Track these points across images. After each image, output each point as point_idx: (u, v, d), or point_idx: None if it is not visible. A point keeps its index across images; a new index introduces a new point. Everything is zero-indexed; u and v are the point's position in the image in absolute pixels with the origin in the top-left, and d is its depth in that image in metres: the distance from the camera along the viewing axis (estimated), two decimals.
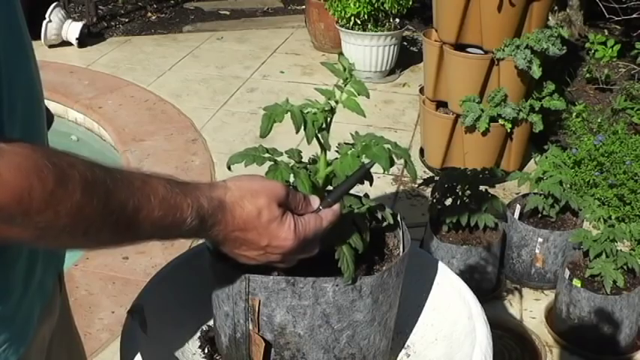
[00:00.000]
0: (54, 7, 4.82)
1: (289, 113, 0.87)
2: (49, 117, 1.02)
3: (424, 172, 3.36)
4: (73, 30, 4.85)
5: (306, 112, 0.88)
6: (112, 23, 5.55)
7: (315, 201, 0.85)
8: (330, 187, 0.94)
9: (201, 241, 0.86)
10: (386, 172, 0.91)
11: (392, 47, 4.40)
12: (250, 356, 0.90)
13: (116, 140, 3.64)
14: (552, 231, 2.46)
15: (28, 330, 0.79)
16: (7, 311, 0.74)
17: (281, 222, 0.78)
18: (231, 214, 0.76)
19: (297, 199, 0.83)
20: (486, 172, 2.37)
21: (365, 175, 0.89)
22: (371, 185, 0.92)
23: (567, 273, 2.23)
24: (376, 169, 0.89)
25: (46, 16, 4.75)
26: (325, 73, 4.32)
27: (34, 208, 0.59)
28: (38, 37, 4.70)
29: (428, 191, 2.90)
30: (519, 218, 2.52)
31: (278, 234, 0.78)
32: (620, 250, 2.20)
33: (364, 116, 0.91)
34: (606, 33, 4.40)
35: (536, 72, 2.89)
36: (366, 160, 0.89)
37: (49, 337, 0.87)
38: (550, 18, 4.15)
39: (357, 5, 4.22)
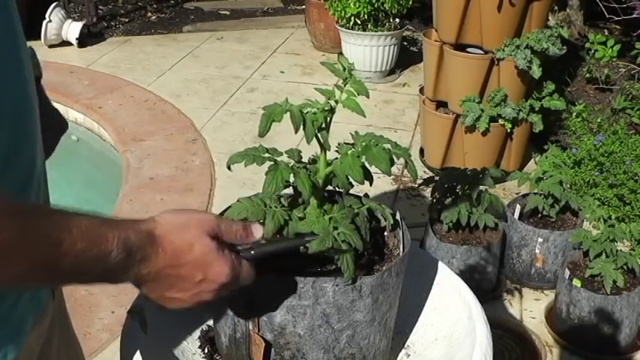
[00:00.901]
0: (54, 7, 4.82)
1: (289, 113, 0.87)
2: (62, 123, 1.01)
3: (424, 172, 3.36)
4: (73, 30, 4.85)
5: (305, 112, 0.88)
6: (112, 23, 5.55)
7: (256, 229, 0.81)
8: (329, 187, 0.94)
9: None
10: None
11: (392, 47, 4.40)
12: (250, 356, 0.90)
13: (116, 140, 3.64)
14: (552, 231, 2.46)
15: (20, 337, 0.78)
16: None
17: (216, 254, 0.74)
18: (162, 248, 0.71)
19: (233, 229, 0.78)
20: (486, 172, 2.37)
21: (297, 248, 0.85)
22: (371, 185, 0.92)
23: (567, 273, 2.23)
24: (376, 169, 0.89)
25: (46, 16, 4.75)
26: (325, 73, 4.32)
27: None
28: (38, 37, 4.70)
29: (428, 191, 2.90)
30: (519, 218, 2.52)
31: (213, 267, 0.74)
32: (620, 250, 2.20)
33: (364, 116, 0.91)
34: (606, 33, 4.40)
35: (536, 72, 2.89)
36: (366, 162, 0.89)
37: (38, 346, 0.86)
38: (550, 18, 4.15)
39: (357, 5, 4.22)
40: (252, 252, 0.80)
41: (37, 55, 0.94)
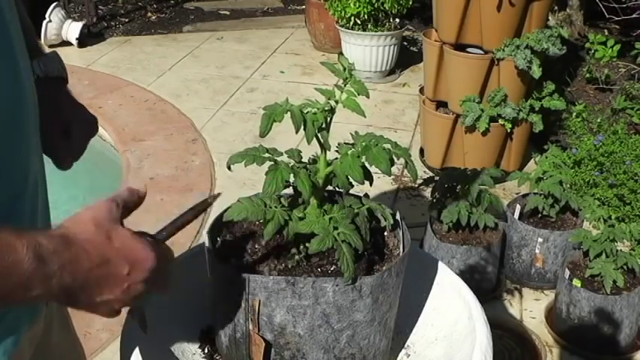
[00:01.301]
0: (54, 7, 4.82)
1: (289, 113, 0.87)
2: (91, 127, 0.99)
3: (424, 172, 3.36)
4: (73, 30, 4.85)
5: (306, 112, 0.89)
6: (112, 23, 5.55)
7: (139, 189, 0.78)
8: (329, 187, 0.94)
9: (200, 241, 0.85)
10: None
11: (392, 47, 4.40)
12: (250, 356, 0.90)
13: (116, 140, 3.64)
14: (552, 231, 2.46)
15: (15, 340, 0.78)
16: None
17: (134, 240, 0.71)
18: (83, 249, 0.66)
19: (126, 201, 0.76)
20: (486, 172, 2.37)
21: (204, 209, 0.83)
22: (371, 185, 0.92)
23: (567, 273, 2.23)
24: (376, 169, 0.89)
25: (46, 16, 4.75)
26: (325, 73, 4.32)
27: None
28: (38, 37, 4.69)
29: (428, 191, 2.90)
30: (519, 218, 2.52)
31: (137, 254, 0.70)
32: (620, 250, 2.20)
33: (364, 116, 0.91)
34: (606, 33, 4.40)
35: (536, 72, 2.89)
36: (366, 162, 0.89)
37: (32, 347, 0.86)
38: (550, 18, 4.15)
39: (357, 5, 4.22)
40: (165, 232, 0.79)
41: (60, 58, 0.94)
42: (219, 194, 0.85)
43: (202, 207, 0.82)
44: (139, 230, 0.75)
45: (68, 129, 0.94)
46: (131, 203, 0.76)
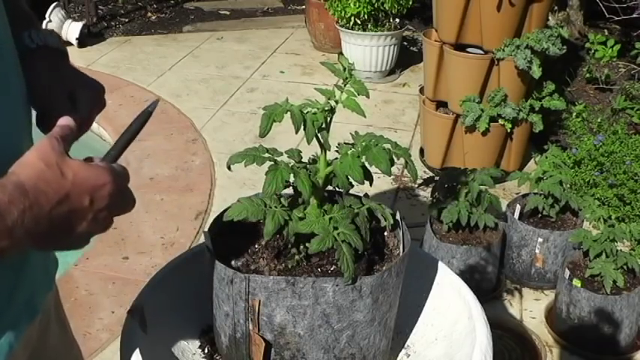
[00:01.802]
0: (54, 7, 4.82)
1: (289, 113, 0.87)
2: (96, 93, 0.96)
3: (424, 172, 3.36)
4: (73, 30, 4.85)
5: (306, 112, 0.89)
6: (112, 23, 5.55)
7: (68, 118, 0.75)
8: (329, 187, 0.94)
9: (200, 241, 0.84)
10: None
11: (392, 47, 4.40)
12: (250, 356, 0.90)
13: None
14: (552, 231, 2.46)
15: (10, 343, 0.78)
16: None
17: (87, 168, 0.68)
18: (40, 191, 0.64)
19: (66, 131, 0.72)
20: (486, 172, 2.37)
21: (146, 119, 0.81)
22: (371, 185, 0.92)
23: (567, 273, 2.23)
24: (376, 169, 0.89)
25: (46, 16, 4.75)
26: (325, 73, 4.32)
27: None
28: None
29: (428, 191, 2.91)
30: (519, 218, 2.52)
31: (94, 181, 0.68)
32: (620, 250, 2.20)
33: (364, 116, 0.91)
34: (606, 33, 4.40)
35: (536, 72, 2.89)
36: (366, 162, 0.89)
37: (26, 352, 0.85)
38: (550, 18, 4.15)
39: (357, 5, 4.22)
40: (113, 152, 0.76)
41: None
42: (157, 100, 0.82)
43: (144, 118, 0.80)
44: (87, 157, 0.73)
45: (73, 94, 0.92)
46: (68, 136, 0.72)
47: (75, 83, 0.93)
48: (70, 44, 4.90)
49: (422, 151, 3.48)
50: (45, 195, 0.64)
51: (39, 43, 0.91)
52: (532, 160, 3.43)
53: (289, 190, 0.92)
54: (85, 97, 0.92)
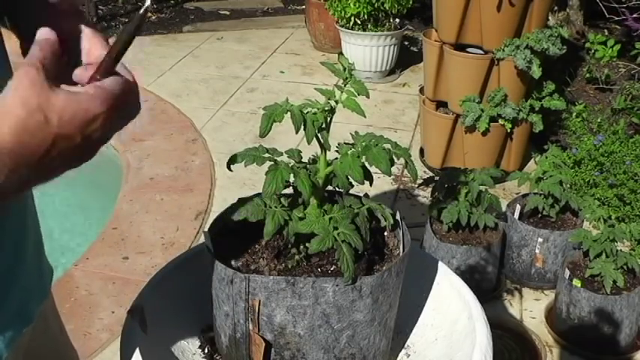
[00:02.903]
0: None
1: (289, 113, 0.87)
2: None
3: (424, 172, 3.36)
4: None
5: (306, 112, 0.88)
6: (112, 23, 5.55)
7: (95, 42, 0.69)
8: (329, 187, 0.94)
9: (201, 241, 0.83)
10: None
11: (392, 47, 4.40)
12: (250, 356, 0.90)
13: (116, 140, 3.64)
14: (552, 231, 2.46)
15: (0, 352, 0.77)
16: None
17: (73, 103, 0.61)
18: (22, 145, 0.58)
19: (49, 54, 0.64)
20: (486, 172, 2.37)
21: (141, 22, 0.72)
22: (371, 185, 0.92)
23: (567, 273, 2.23)
24: (376, 169, 0.89)
25: None
26: (325, 73, 4.32)
27: None
28: None
29: (428, 191, 2.90)
30: (519, 218, 2.52)
31: (82, 117, 0.61)
32: (620, 250, 2.20)
33: (364, 116, 0.91)
34: (606, 33, 4.40)
35: (536, 72, 2.89)
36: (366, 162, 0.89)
37: (19, 355, 0.85)
38: (550, 18, 4.15)
39: (357, 5, 4.22)
40: (105, 64, 0.69)
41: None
42: (149, 5, 0.72)
43: (138, 20, 0.72)
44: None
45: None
46: (50, 54, 0.64)
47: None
48: None
49: (422, 151, 3.48)
50: (28, 149, 0.58)
51: None
52: (532, 160, 3.43)
53: (289, 190, 0.92)
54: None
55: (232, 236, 0.95)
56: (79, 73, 0.68)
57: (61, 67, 0.65)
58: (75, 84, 0.68)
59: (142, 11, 0.71)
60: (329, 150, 0.92)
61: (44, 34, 0.65)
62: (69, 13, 0.79)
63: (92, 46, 0.73)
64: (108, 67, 0.68)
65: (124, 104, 0.67)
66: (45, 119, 0.59)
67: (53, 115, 0.60)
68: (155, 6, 5.98)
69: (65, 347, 1.04)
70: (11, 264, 0.79)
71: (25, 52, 0.81)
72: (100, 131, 0.63)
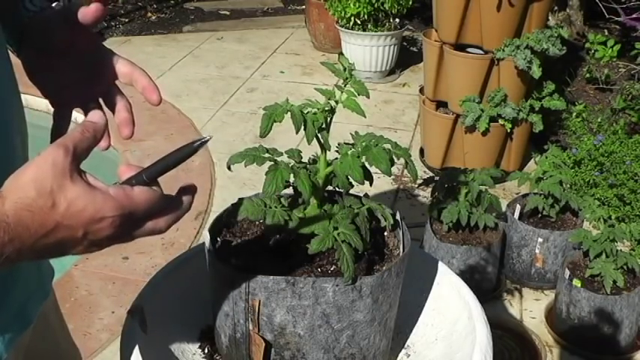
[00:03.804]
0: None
1: (289, 113, 0.87)
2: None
3: (424, 172, 3.36)
4: None
5: (306, 112, 0.88)
6: (112, 23, 5.55)
7: (95, 115, 0.67)
8: (329, 187, 0.94)
9: (201, 241, 0.83)
10: None
11: (392, 47, 4.40)
12: (250, 356, 0.90)
13: (116, 140, 3.63)
14: (552, 231, 2.46)
15: (0, 353, 0.77)
16: None
17: (87, 197, 0.60)
18: (22, 225, 0.57)
19: (85, 143, 0.64)
20: (486, 172, 2.37)
21: (190, 155, 0.74)
22: (371, 185, 0.92)
23: (567, 273, 2.23)
24: (376, 169, 0.89)
25: None
26: (325, 73, 4.32)
27: None
28: None
29: (428, 191, 2.90)
30: (519, 218, 2.52)
31: (90, 214, 0.60)
32: (620, 250, 2.20)
33: (364, 116, 0.91)
34: (606, 33, 4.40)
35: (536, 72, 2.89)
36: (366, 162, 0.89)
37: (20, 356, 0.85)
38: (550, 18, 4.15)
39: (357, 5, 4.22)
40: (144, 176, 0.70)
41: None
42: (209, 138, 0.75)
43: (189, 151, 0.74)
44: (115, 183, 0.66)
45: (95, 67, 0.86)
46: (86, 143, 0.64)
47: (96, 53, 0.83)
48: None
49: (422, 151, 3.48)
50: (27, 229, 0.58)
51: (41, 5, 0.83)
52: (532, 160, 3.43)
53: (289, 190, 0.92)
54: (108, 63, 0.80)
55: (232, 236, 0.95)
56: (121, 170, 0.68)
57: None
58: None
59: (197, 145, 0.72)
60: (329, 150, 0.92)
61: (95, 117, 0.66)
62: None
63: (103, 71, 0.78)
64: (139, 181, 0.68)
65: (145, 215, 0.66)
66: (52, 204, 0.58)
67: (62, 201, 0.59)
68: (155, 6, 5.98)
69: (67, 346, 1.04)
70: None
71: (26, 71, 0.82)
72: (106, 232, 0.62)
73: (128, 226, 0.64)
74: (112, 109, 0.88)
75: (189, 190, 0.73)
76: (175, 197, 0.71)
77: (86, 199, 0.60)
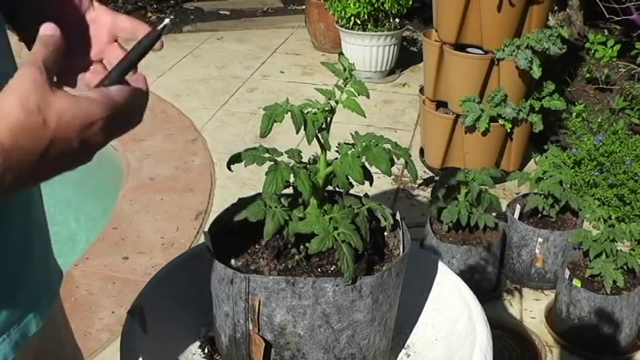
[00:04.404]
0: None
1: (289, 113, 0.87)
2: None
3: (424, 172, 3.36)
4: None
5: (306, 112, 0.89)
6: None
7: (48, 27, 0.64)
8: (329, 187, 0.94)
9: (200, 241, 0.83)
10: None
11: (392, 47, 4.40)
12: (250, 356, 0.90)
13: (116, 140, 3.63)
14: (552, 231, 2.46)
15: (6, 356, 0.77)
16: None
17: (72, 107, 0.60)
18: (17, 148, 0.57)
19: (56, 53, 0.63)
20: (486, 172, 2.37)
21: (156, 40, 0.74)
22: (371, 185, 0.92)
23: (567, 273, 2.23)
24: (376, 169, 0.89)
25: None
26: (325, 73, 4.32)
27: None
28: None
29: (428, 191, 2.91)
30: (519, 218, 2.52)
31: (81, 122, 0.61)
32: (620, 250, 2.20)
33: (364, 116, 0.91)
34: (606, 33, 4.40)
35: (537, 72, 2.89)
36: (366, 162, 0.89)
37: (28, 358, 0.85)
38: (550, 18, 4.15)
39: (357, 5, 4.22)
40: (113, 74, 0.70)
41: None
42: (168, 23, 0.76)
43: (154, 37, 0.74)
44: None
45: None
46: (53, 53, 0.63)
47: None
48: None
49: (422, 151, 3.48)
50: (23, 153, 0.58)
51: None
52: (532, 160, 3.43)
53: (289, 190, 0.92)
54: None
55: (232, 236, 0.95)
56: (88, 77, 0.67)
57: (63, 61, 0.65)
58: (76, 75, 0.68)
59: (160, 27, 0.73)
60: (329, 150, 0.92)
61: (48, 30, 0.64)
62: None
63: (97, 32, 0.75)
64: (114, 79, 0.69)
65: (126, 112, 0.67)
66: (43, 121, 0.58)
67: (52, 117, 0.59)
68: (155, 6, 5.98)
69: (72, 348, 1.04)
70: (18, 267, 0.79)
71: (24, 40, 0.82)
72: (98, 136, 0.63)
73: (117, 124, 0.65)
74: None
75: (140, 79, 0.72)
76: (139, 88, 0.71)
77: (73, 108, 0.60)
